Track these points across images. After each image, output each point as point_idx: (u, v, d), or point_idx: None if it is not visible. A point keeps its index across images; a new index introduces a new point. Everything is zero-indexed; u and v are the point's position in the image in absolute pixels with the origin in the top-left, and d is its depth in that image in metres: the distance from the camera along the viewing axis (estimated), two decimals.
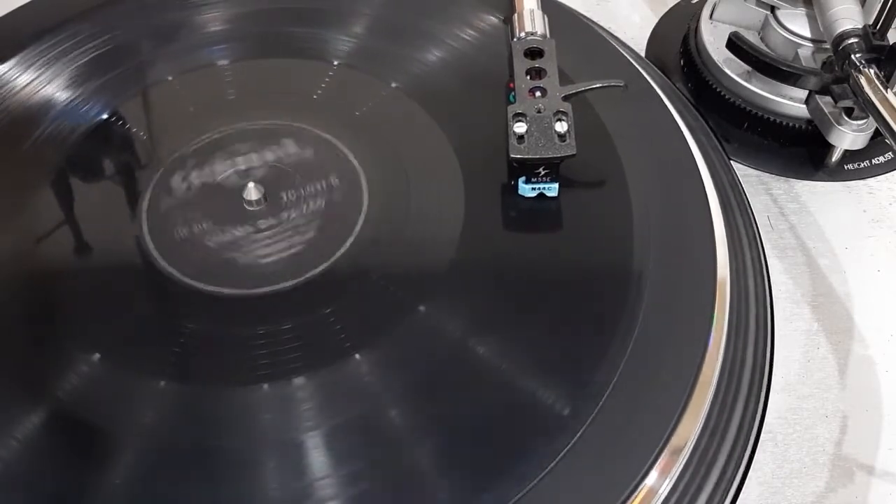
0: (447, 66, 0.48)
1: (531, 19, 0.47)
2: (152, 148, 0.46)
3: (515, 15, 0.48)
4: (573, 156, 0.40)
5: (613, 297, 0.38)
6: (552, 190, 0.41)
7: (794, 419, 0.40)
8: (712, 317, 0.37)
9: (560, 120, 0.41)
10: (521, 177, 0.41)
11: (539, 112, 0.41)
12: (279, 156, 0.44)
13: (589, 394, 0.34)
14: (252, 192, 0.42)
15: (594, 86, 0.43)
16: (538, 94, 0.42)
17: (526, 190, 0.41)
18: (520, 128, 0.40)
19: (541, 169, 0.40)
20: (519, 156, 0.40)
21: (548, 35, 0.46)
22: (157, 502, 0.33)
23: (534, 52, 0.44)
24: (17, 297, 0.40)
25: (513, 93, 0.43)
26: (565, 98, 0.42)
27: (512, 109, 0.41)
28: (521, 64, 0.44)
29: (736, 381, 0.38)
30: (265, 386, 0.36)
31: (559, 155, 0.40)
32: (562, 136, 0.40)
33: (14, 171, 0.44)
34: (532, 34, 0.46)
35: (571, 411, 0.34)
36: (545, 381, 0.35)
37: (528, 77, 0.43)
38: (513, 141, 0.40)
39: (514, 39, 0.46)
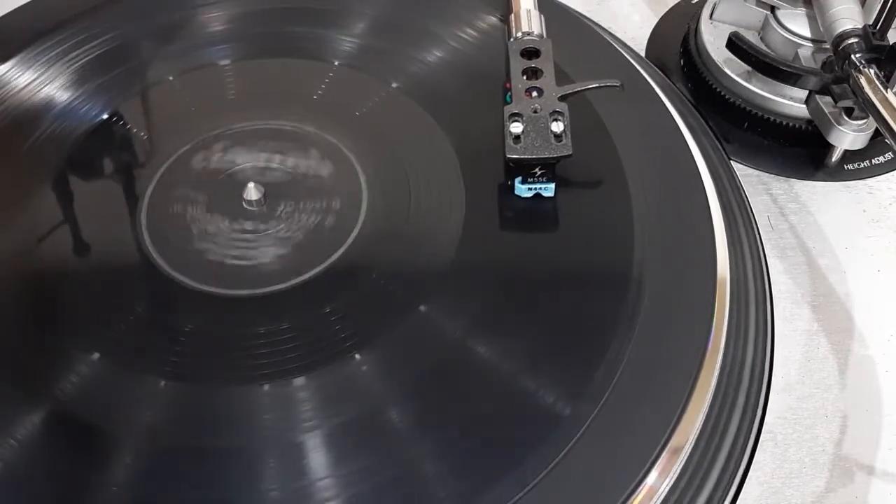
0: (447, 66, 0.48)
1: (528, 19, 0.47)
2: (152, 148, 0.46)
3: (512, 15, 0.48)
4: (569, 156, 0.40)
5: (613, 297, 0.38)
6: (548, 190, 0.41)
7: (794, 419, 0.40)
8: (712, 317, 0.37)
9: (556, 120, 0.41)
10: (517, 177, 0.41)
11: (535, 112, 0.41)
12: (279, 156, 0.44)
13: (589, 394, 0.34)
14: (252, 192, 0.42)
15: (590, 86, 0.43)
16: (535, 94, 0.42)
17: (522, 190, 0.41)
18: (516, 128, 0.40)
19: (537, 169, 0.40)
20: (515, 156, 0.40)
21: (545, 35, 0.46)
22: (156, 502, 0.33)
23: (530, 52, 0.44)
24: (16, 296, 0.40)
25: (509, 93, 0.43)
26: (562, 98, 0.42)
27: (508, 109, 0.41)
28: (518, 64, 0.44)
29: (736, 381, 0.38)
30: (265, 386, 0.36)
31: (555, 155, 0.40)
32: (558, 137, 0.40)
33: (14, 171, 0.44)
34: (529, 34, 0.46)
35: (571, 411, 0.34)
36: (545, 381, 0.35)
37: (525, 77, 0.43)
38: (509, 141, 0.40)
39: (511, 39, 0.46)
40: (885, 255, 0.46)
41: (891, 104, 0.41)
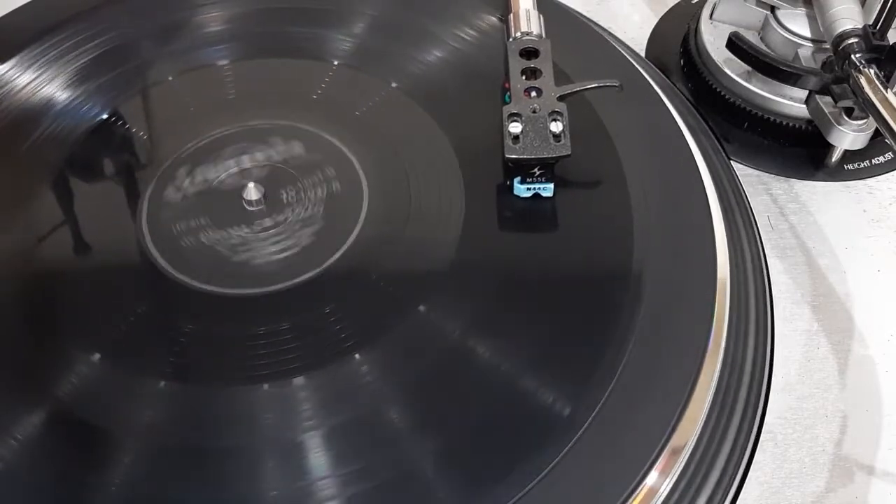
0: (447, 66, 0.48)
1: (527, 19, 0.47)
2: (152, 148, 0.46)
3: (511, 15, 0.48)
4: (568, 156, 0.40)
5: (613, 297, 0.38)
6: (547, 190, 0.41)
7: (794, 419, 0.40)
8: (712, 317, 0.37)
9: (555, 120, 0.41)
10: (516, 177, 0.41)
11: (534, 112, 0.41)
12: (279, 156, 0.44)
13: (589, 394, 0.34)
14: (252, 192, 0.42)
15: (589, 86, 0.43)
16: (533, 94, 0.42)
17: (521, 190, 0.41)
18: (515, 128, 0.40)
19: (536, 169, 0.40)
20: (514, 156, 0.40)
21: (543, 35, 0.46)
22: (156, 502, 0.33)
23: (529, 52, 0.44)
24: (17, 296, 0.40)
25: (508, 93, 0.43)
26: (560, 98, 0.42)
27: (507, 109, 0.41)
28: (517, 64, 0.44)
29: (736, 381, 0.38)
30: (265, 386, 0.36)
31: (554, 155, 0.40)
32: (557, 137, 0.40)
33: (14, 171, 0.44)
34: (528, 34, 0.46)
35: (571, 411, 0.34)
36: (545, 381, 0.35)
37: (524, 77, 0.43)
38: (508, 141, 0.40)
39: (510, 39, 0.46)
40: (885, 255, 0.46)
41: (891, 104, 0.41)
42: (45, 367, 0.37)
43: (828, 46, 0.46)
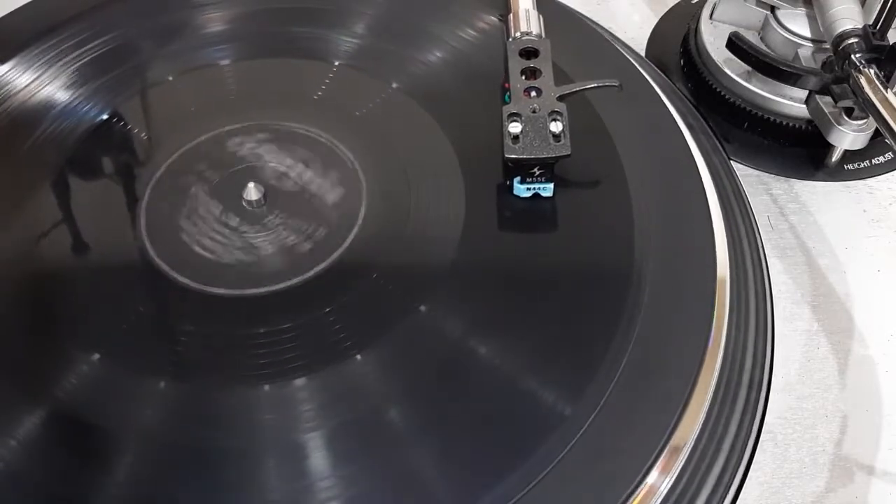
0: (447, 66, 0.48)
1: (526, 19, 0.47)
2: (152, 148, 0.46)
3: (511, 15, 0.48)
4: (568, 156, 0.40)
5: (613, 297, 0.38)
6: (547, 190, 0.41)
7: (794, 419, 0.40)
8: (712, 317, 0.37)
9: (555, 120, 0.41)
10: (516, 177, 0.41)
11: (534, 112, 0.41)
12: (279, 156, 0.44)
13: (589, 393, 0.34)
14: (252, 191, 0.42)
15: (589, 86, 0.43)
16: (533, 94, 0.42)
17: (521, 190, 0.41)
18: (515, 128, 0.40)
19: (536, 169, 0.40)
20: (514, 156, 0.40)
21: (543, 35, 0.46)
22: (156, 502, 0.33)
23: (529, 52, 0.44)
24: (16, 297, 0.40)
25: (508, 93, 0.43)
26: (560, 98, 0.42)
27: (507, 109, 0.41)
28: (517, 64, 0.44)
29: (736, 381, 0.38)
30: (265, 386, 0.36)
31: (554, 155, 0.40)
32: (556, 137, 0.40)
33: (14, 171, 0.44)
34: (527, 34, 0.46)
35: (571, 411, 0.34)
36: (545, 381, 0.35)
37: (524, 77, 0.43)
38: (507, 141, 0.40)
39: (510, 39, 0.46)
40: (885, 255, 0.46)
41: (891, 104, 0.41)
42: (45, 367, 0.37)
43: (828, 46, 0.46)
